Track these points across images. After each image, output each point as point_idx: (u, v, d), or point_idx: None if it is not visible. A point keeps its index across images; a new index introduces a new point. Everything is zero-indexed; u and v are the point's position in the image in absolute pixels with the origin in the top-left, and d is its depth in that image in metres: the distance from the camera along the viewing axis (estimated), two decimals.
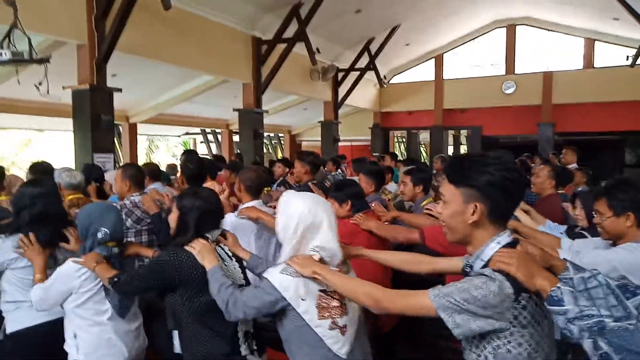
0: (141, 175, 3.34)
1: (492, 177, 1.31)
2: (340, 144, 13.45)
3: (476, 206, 1.33)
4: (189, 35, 7.68)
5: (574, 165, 6.00)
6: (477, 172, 1.33)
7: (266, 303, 1.68)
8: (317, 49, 9.32)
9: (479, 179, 1.32)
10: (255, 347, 1.97)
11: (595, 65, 13.09)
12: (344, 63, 12.44)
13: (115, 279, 2.00)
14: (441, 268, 1.90)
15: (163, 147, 20.73)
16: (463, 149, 18.74)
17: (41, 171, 3.46)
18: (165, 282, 1.86)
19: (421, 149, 18.84)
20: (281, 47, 9.25)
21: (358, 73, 12.70)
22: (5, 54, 3.93)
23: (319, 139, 13.35)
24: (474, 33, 14.31)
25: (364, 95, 14.30)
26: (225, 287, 1.74)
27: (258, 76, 9.42)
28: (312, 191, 3.52)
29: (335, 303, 1.71)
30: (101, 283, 2.15)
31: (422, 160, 15.36)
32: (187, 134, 16.95)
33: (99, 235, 2.19)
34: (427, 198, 3.44)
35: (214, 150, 15.83)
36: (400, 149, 19.57)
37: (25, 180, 4.14)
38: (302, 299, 1.66)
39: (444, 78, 14.74)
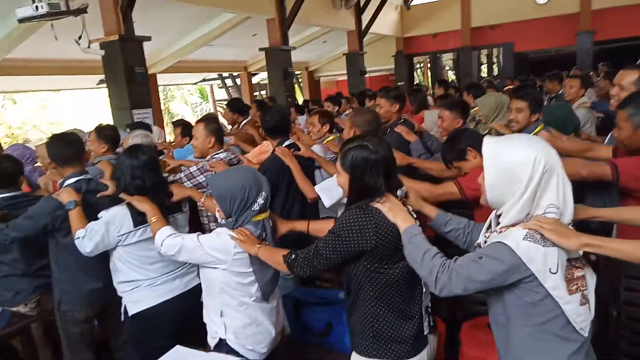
0: (221, 130, 3.08)
1: None
2: None
3: None
4: None
5: None
6: None
7: (498, 274, 1.34)
8: None
9: None
10: (432, 323, 1.71)
11: None
12: None
13: (293, 256, 1.68)
14: None
15: (178, 97, 20.19)
16: (484, 70, 17.83)
17: (110, 137, 3.16)
18: (360, 247, 1.53)
19: (447, 72, 18.00)
20: None
21: None
22: (42, 7, 3.51)
23: (339, 72, 12.69)
24: None
25: (385, 21, 13.44)
26: (431, 255, 1.43)
27: (282, 10, 8.78)
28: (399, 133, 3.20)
29: (579, 273, 1.40)
30: (251, 268, 1.88)
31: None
32: (203, 80, 16.39)
33: (260, 200, 1.87)
34: (539, 125, 2.94)
35: (234, 95, 15.34)
36: (419, 75, 18.70)
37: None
38: (552, 272, 1.34)
39: None
